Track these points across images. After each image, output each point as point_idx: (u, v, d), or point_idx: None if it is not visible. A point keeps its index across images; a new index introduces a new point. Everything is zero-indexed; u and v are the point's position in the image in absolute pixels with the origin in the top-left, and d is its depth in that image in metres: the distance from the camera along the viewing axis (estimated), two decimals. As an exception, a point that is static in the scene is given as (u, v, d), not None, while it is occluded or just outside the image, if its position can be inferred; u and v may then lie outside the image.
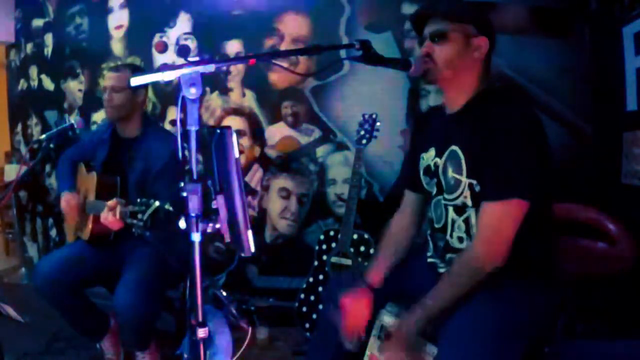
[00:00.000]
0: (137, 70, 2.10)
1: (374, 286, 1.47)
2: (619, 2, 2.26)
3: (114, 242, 1.98)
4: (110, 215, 1.70)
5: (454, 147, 1.32)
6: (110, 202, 1.72)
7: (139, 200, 1.55)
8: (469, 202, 1.30)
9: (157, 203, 1.52)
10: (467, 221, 1.32)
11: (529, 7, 2.53)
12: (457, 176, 1.31)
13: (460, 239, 1.34)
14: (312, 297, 2.43)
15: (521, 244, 1.21)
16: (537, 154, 1.22)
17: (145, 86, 2.05)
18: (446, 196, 1.36)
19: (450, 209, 1.35)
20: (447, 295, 1.23)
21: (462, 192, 1.31)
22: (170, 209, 1.53)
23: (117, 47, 3.29)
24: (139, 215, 1.53)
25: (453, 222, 1.35)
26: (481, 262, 1.21)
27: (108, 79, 2.03)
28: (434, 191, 1.42)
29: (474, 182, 1.27)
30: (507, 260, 1.20)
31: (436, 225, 1.42)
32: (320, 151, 2.87)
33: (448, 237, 1.37)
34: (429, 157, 1.43)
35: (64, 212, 2.07)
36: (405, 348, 1.24)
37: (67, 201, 2.05)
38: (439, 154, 1.38)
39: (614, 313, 1.99)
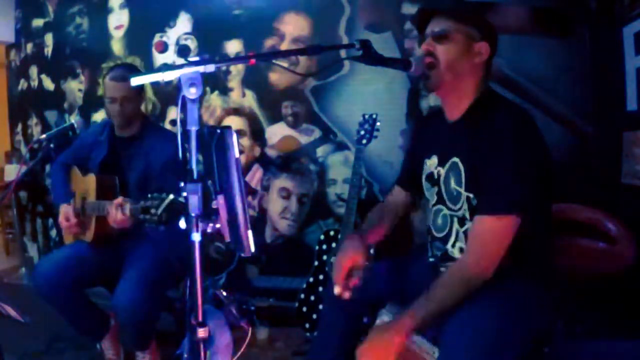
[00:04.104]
0: (133, 70, 2.09)
1: (367, 239, 1.46)
2: (619, 2, 2.26)
3: (115, 241, 1.98)
4: (119, 213, 1.69)
5: (455, 159, 1.32)
6: (117, 200, 1.71)
7: (150, 195, 1.55)
8: (467, 215, 1.30)
9: (171, 196, 1.52)
10: (467, 233, 1.32)
11: (529, 7, 2.52)
12: (458, 188, 1.31)
13: (462, 250, 1.33)
14: (312, 297, 2.43)
15: (521, 245, 1.21)
16: (535, 167, 1.21)
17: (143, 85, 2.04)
18: (450, 206, 1.35)
19: (455, 219, 1.35)
20: (437, 304, 1.21)
21: (462, 205, 1.31)
22: (183, 200, 1.52)
23: (117, 47, 3.30)
24: (152, 210, 1.52)
25: (457, 233, 1.35)
26: (470, 275, 1.21)
27: (116, 89, 1.97)
28: (434, 200, 1.42)
29: (471, 195, 1.27)
30: (507, 262, 1.20)
31: (437, 235, 1.41)
32: (320, 151, 2.87)
33: (449, 247, 1.36)
34: (431, 164, 1.42)
35: (62, 226, 2.04)
36: (391, 354, 1.20)
37: (65, 215, 2.02)
38: (441, 163, 1.38)
39: (614, 313, 1.99)
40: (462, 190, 1.30)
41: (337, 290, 1.35)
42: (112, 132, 2.11)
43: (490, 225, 1.20)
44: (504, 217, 1.19)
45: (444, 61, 1.30)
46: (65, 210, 2.03)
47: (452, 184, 1.33)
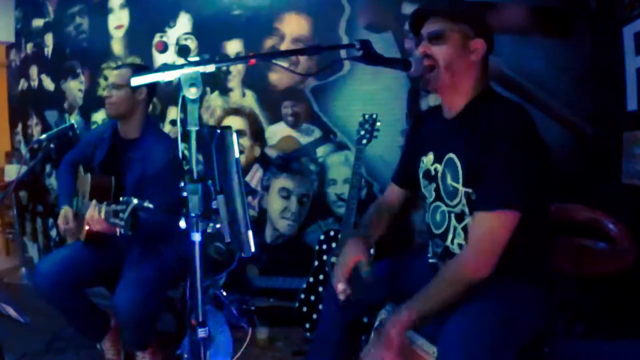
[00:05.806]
0: (140, 70, 2.09)
1: (369, 242, 1.47)
2: (619, 2, 2.26)
3: (114, 242, 1.98)
4: (95, 214, 1.68)
5: (451, 155, 1.32)
6: (95, 201, 1.70)
7: (120, 199, 1.53)
8: (467, 210, 1.30)
9: (135, 201, 1.49)
10: (465, 229, 1.32)
11: (529, 7, 2.52)
12: (455, 184, 1.31)
13: (460, 246, 1.34)
14: (312, 297, 2.43)
15: (520, 244, 1.21)
16: (532, 163, 1.21)
17: (146, 86, 2.04)
18: (448, 202, 1.35)
19: (452, 216, 1.35)
20: (435, 300, 1.22)
21: (460, 200, 1.31)
22: (150, 206, 1.49)
23: (117, 47, 3.30)
24: (121, 215, 1.50)
25: (454, 229, 1.35)
26: (470, 272, 1.21)
27: (111, 76, 2.05)
28: (432, 197, 1.42)
29: (470, 190, 1.27)
30: (506, 261, 1.20)
31: (435, 232, 1.41)
32: (320, 151, 2.87)
33: (448, 243, 1.37)
34: (428, 161, 1.43)
35: (60, 228, 2.03)
36: (392, 348, 1.22)
37: (64, 217, 2.01)
38: (437, 160, 1.38)
39: (614, 313, 1.99)
40: (459, 186, 1.30)
41: (340, 287, 1.36)
42: (115, 132, 2.11)
43: (488, 222, 1.20)
44: (502, 213, 1.19)
45: (441, 62, 1.30)
46: (65, 213, 2.02)
47: (449, 180, 1.33)
